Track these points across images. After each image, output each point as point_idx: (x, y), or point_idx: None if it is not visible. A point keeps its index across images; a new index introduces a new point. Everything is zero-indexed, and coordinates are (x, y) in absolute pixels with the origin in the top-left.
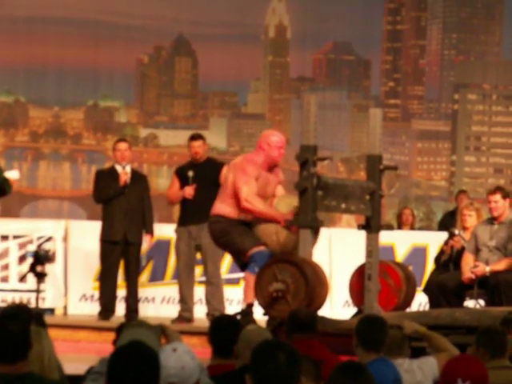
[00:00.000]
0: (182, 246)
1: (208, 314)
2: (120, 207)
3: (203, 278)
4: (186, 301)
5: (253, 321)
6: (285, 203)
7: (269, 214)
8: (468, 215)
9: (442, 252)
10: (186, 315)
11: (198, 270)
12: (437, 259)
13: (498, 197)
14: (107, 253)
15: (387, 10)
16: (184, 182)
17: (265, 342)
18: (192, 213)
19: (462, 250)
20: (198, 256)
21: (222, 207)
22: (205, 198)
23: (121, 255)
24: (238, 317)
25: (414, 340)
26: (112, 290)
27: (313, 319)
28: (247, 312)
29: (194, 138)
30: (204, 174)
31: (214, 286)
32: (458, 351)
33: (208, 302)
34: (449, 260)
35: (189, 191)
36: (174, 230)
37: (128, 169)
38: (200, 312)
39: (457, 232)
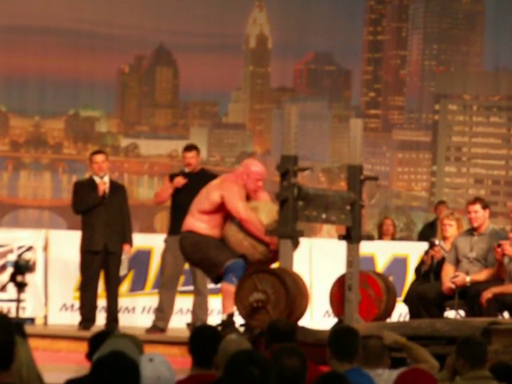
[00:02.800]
0: (169, 256)
1: (189, 324)
2: (100, 218)
3: (185, 288)
4: (164, 310)
5: (236, 330)
6: (266, 211)
7: (261, 236)
8: (448, 225)
9: (422, 262)
10: (160, 325)
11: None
12: (417, 269)
13: (477, 207)
14: (88, 263)
15: (368, 20)
16: (177, 189)
17: (237, 355)
18: (182, 222)
19: (442, 261)
20: (186, 266)
21: (195, 223)
22: None
23: (101, 265)
24: (219, 328)
25: (394, 350)
26: (92, 299)
27: (292, 329)
28: (229, 322)
29: (187, 148)
30: (197, 184)
31: (201, 297)
32: (436, 362)
33: (193, 312)
34: (429, 270)
35: (179, 180)
36: (164, 239)
37: (106, 179)
38: (178, 322)
39: (437, 242)
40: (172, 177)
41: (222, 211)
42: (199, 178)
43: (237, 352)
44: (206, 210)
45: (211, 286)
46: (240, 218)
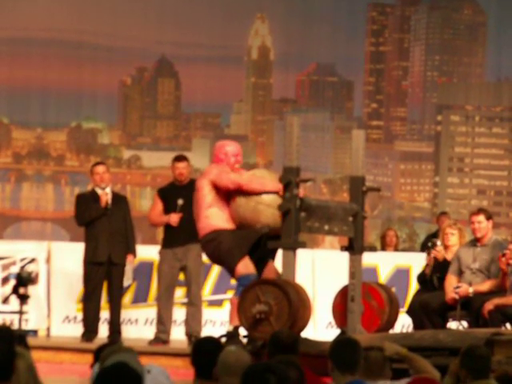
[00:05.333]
0: (165, 268)
1: (190, 336)
2: (103, 229)
3: (183, 300)
4: (164, 322)
5: (239, 342)
6: (266, 173)
7: (269, 188)
8: (450, 234)
9: (424, 273)
10: (162, 337)
11: (180, 292)
12: (420, 277)
13: (481, 218)
14: (91, 274)
15: (370, 31)
16: (168, 204)
17: (255, 365)
18: (177, 234)
19: (444, 262)
20: (181, 277)
21: (206, 221)
22: (189, 220)
23: (104, 276)
24: (223, 339)
25: (396, 362)
26: (95, 311)
27: (295, 341)
28: (234, 334)
29: (178, 159)
30: (189, 196)
31: (195, 308)
32: (438, 373)
33: (187, 323)
34: (432, 273)
35: (174, 219)
36: (158, 251)
37: (108, 190)
38: (176, 333)
39: (439, 243)
40: (161, 191)
41: (220, 195)
42: (191, 190)
43: (255, 363)
44: (207, 204)
45: (209, 297)
46: (240, 185)
